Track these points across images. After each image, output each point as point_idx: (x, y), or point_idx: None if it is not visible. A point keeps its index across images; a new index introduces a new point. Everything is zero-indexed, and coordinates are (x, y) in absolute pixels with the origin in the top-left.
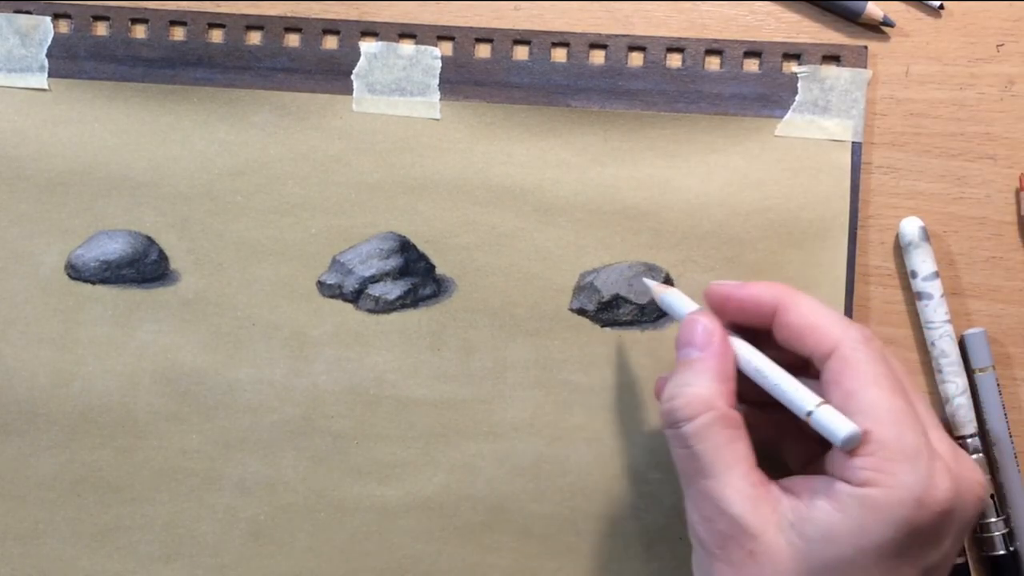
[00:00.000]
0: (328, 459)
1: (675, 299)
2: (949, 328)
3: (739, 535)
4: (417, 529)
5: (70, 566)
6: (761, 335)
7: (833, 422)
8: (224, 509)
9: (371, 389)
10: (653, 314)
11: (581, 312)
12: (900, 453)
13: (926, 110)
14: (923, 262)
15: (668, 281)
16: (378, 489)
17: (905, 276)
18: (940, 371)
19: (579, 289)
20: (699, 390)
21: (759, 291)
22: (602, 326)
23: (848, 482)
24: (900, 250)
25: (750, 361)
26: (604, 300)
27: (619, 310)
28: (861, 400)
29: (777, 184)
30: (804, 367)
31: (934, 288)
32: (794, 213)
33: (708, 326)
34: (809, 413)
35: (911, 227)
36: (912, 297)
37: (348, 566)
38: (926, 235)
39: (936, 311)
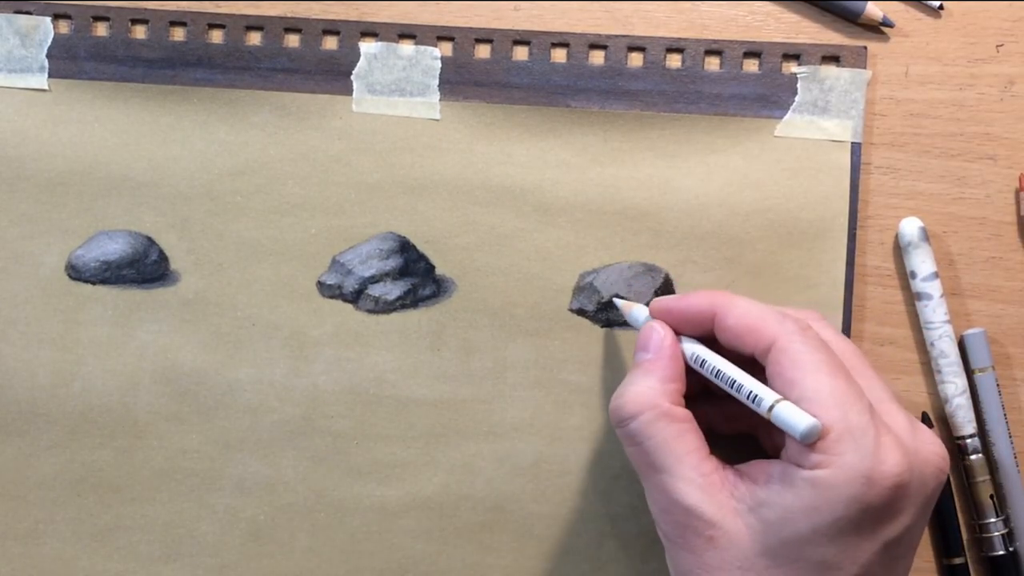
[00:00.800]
0: (328, 459)
1: (640, 314)
2: (948, 328)
3: (696, 523)
4: (417, 529)
5: (70, 566)
6: (717, 343)
7: (792, 417)
8: (224, 509)
9: (371, 389)
10: None
11: (581, 312)
12: (845, 433)
13: (926, 110)
14: (922, 262)
15: (668, 282)
16: (378, 489)
17: (904, 276)
18: (939, 371)
19: (579, 289)
20: (640, 388)
21: (696, 301)
22: (602, 326)
23: (800, 466)
24: (900, 250)
25: (707, 364)
26: (604, 300)
27: (619, 310)
28: (803, 387)
29: (777, 184)
30: (755, 365)
31: (933, 288)
32: (794, 213)
33: (661, 332)
34: (770, 409)
35: (911, 227)
36: (911, 297)
37: (348, 566)
38: (926, 235)
39: (935, 311)
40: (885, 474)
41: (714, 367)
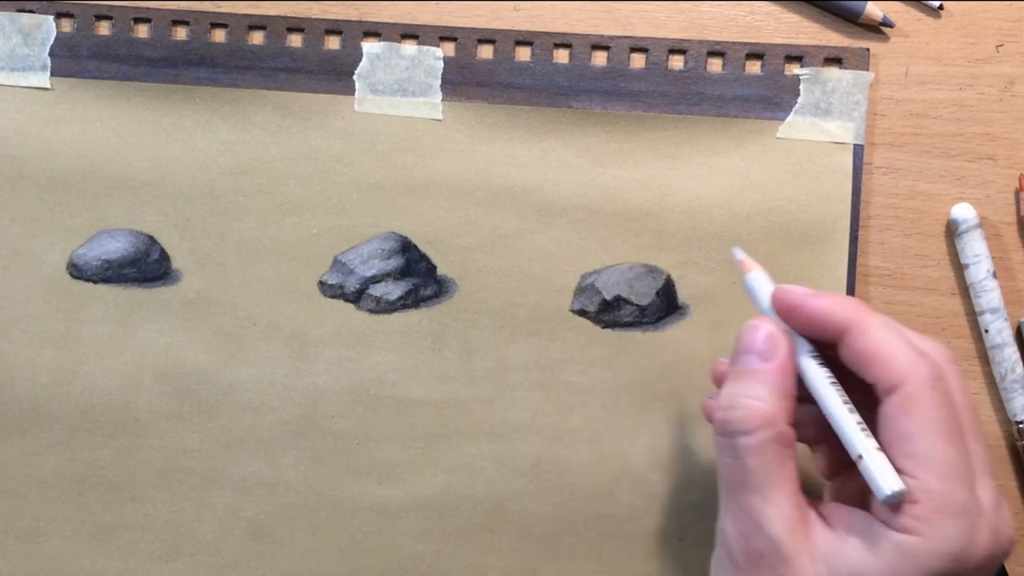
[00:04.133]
0: (329, 459)
1: (757, 286)
2: (1005, 312)
3: (772, 556)
4: (417, 529)
5: (71, 564)
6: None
7: (880, 474)
8: (224, 508)
9: (372, 389)
10: (654, 315)
11: (582, 313)
12: (946, 506)
13: (926, 110)
14: (979, 247)
15: (669, 283)
16: (378, 489)
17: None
18: (1001, 362)
19: (580, 290)
20: (762, 404)
21: (831, 307)
22: (603, 327)
23: (887, 525)
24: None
25: (813, 383)
26: (605, 301)
27: (620, 311)
28: (916, 445)
29: (779, 186)
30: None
31: (990, 272)
32: (795, 215)
33: (773, 335)
34: (860, 457)
35: (966, 213)
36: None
37: (348, 566)
38: (979, 221)
39: (993, 295)
40: (975, 556)
41: (818, 390)
